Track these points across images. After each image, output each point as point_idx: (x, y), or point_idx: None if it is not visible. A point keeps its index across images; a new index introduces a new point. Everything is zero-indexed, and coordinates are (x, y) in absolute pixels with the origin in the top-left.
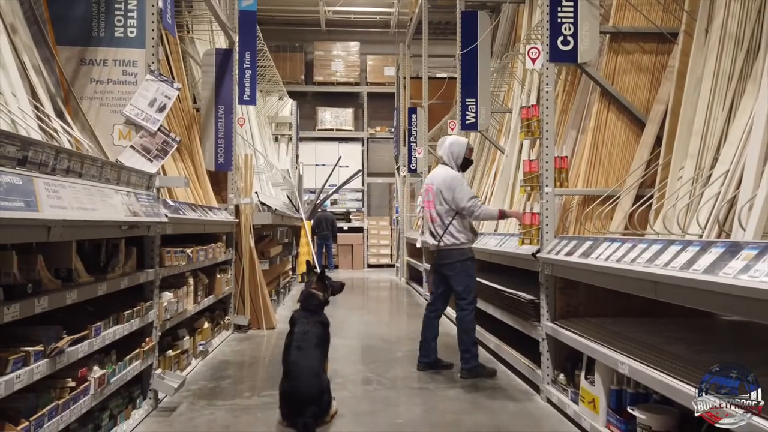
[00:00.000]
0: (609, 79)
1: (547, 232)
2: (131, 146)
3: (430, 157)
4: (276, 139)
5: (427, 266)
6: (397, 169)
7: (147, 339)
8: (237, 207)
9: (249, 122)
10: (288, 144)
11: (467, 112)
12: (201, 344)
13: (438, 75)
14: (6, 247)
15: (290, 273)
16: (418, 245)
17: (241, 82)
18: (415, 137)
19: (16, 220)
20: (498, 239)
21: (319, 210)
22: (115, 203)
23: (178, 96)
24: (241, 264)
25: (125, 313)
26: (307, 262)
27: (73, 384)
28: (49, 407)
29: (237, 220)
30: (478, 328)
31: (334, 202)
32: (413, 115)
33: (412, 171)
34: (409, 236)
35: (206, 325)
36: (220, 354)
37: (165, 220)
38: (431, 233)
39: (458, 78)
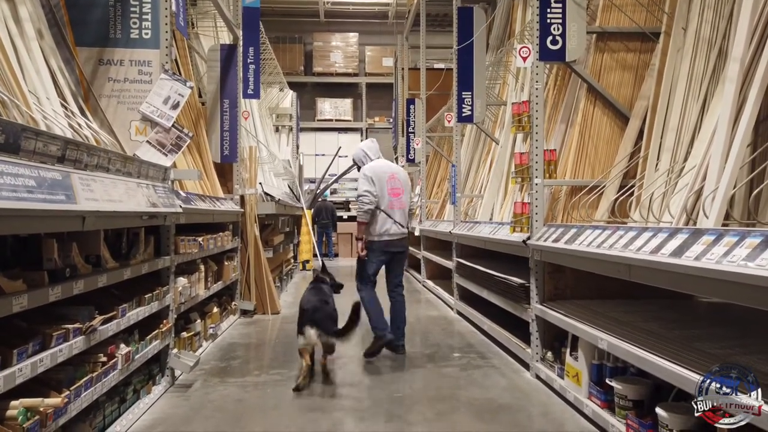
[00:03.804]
0: (595, 76)
1: (536, 221)
2: (147, 141)
3: (428, 148)
4: (277, 130)
5: (426, 254)
6: (396, 158)
7: (164, 321)
8: (242, 197)
9: (252, 115)
10: (288, 134)
11: (463, 105)
12: (211, 327)
13: (436, 66)
14: (39, 235)
15: (292, 261)
16: (416, 233)
17: (245, 77)
18: (413, 128)
19: (59, 212)
20: (492, 227)
21: (319, 199)
22: (137, 195)
23: None
24: (246, 252)
25: (146, 296)
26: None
27: (104, 359)
28: (85, 379)
29: (242, 210)
30: (473, 311)
31: (333, 192)
32: (411, 106)
33: (411, 161)
34: None
35: (215, 309)
36: (228, 337)
37: (180, 210)
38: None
39: (455, 72)
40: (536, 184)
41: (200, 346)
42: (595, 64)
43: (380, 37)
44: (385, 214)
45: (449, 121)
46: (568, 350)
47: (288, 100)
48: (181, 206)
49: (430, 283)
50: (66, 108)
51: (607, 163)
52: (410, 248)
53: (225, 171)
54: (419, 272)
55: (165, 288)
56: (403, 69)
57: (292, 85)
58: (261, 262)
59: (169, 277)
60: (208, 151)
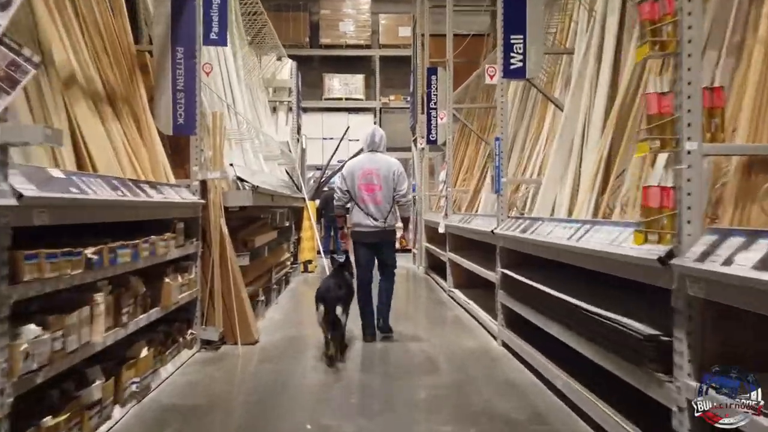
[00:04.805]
0: None
1: (689, 221)
2: None
3: (455, 124)
4: (274, 109)
5: (452, 256)
6: (414, 141)
7: None
8: (204, 183)
9: (228, 78)
10: (288, 113)
11: (512, 54)
12: (134, 382)
13: (459, 31)
14: None
15: (288, 263)
16: (441, 230)
17: (207, 15)
18: (435, 102)
19: None
20: (571, 229)
21: (326, 188)
22: None
23: (113, 28)
24: (210, 258)
25: None
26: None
27: None
28: None
29: (203, 201)
30: (532, 351)
31: None
32: (433, 77)
33: (432, 142)
34: (429, 219)
35: (145, 352)
36: (167, 391)
37: (12, 202)
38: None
39: (499, 9)
40: (689, 152)
41: (107, 418)
42: None
43: (396, 5)
44: (357, 207)
45: (492, 77)
46: None
47: (287, 70)
48: (21, 195)
49: (458, 293)
50: None
51: None
52: (431, 246)
53: (182, 148)
54: (444, 278)
55: None
56: (422, 35)
57: (296, 59)
58: (229, 271)
59: None
60: (148, 119)
